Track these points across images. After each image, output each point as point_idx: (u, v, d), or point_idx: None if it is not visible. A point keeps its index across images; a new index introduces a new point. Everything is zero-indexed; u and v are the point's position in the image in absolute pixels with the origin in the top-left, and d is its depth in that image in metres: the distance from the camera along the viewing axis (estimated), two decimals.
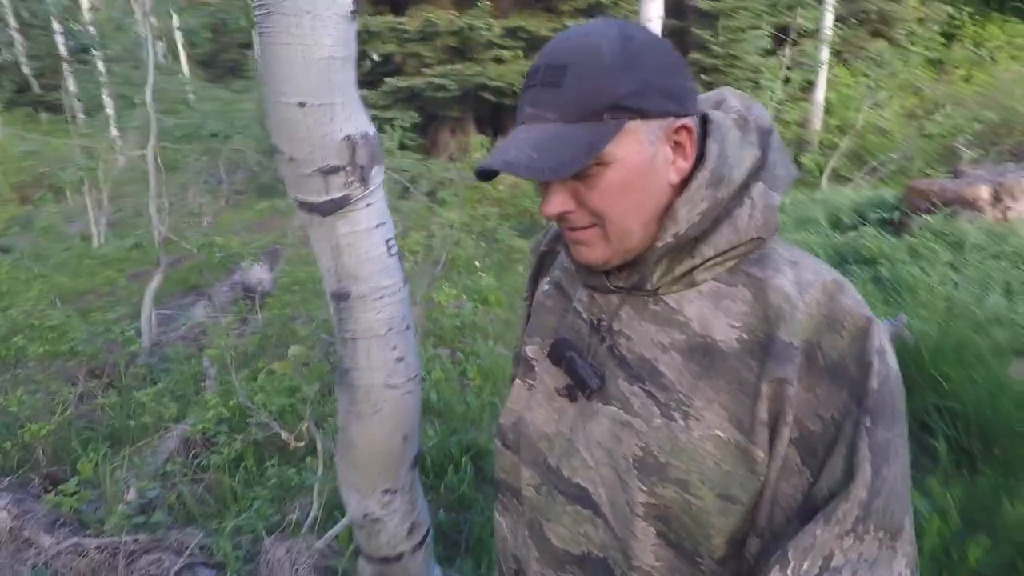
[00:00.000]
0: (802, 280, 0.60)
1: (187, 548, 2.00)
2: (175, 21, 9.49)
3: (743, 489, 0.59)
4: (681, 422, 0.61)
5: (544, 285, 0.79)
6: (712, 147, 0.62)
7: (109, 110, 10.57)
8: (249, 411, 2.46)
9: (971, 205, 4.30)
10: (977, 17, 9.89)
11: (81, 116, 13.11)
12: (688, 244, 0.63)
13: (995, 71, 8.20)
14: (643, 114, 0.59)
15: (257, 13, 1.08)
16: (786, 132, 8.03)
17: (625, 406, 0.65)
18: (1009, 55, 8.78)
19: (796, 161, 7.89)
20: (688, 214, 0.61)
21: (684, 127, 0.61)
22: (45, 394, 2.68)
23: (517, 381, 0.77)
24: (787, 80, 7.77)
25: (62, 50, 7.85)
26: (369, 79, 9.32)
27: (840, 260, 4.43)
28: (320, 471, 2.10)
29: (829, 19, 8.08)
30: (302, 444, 2.21)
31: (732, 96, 0.68)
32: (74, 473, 2.40)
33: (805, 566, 0.54)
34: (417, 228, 5.39)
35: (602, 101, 0.58)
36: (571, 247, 0.66)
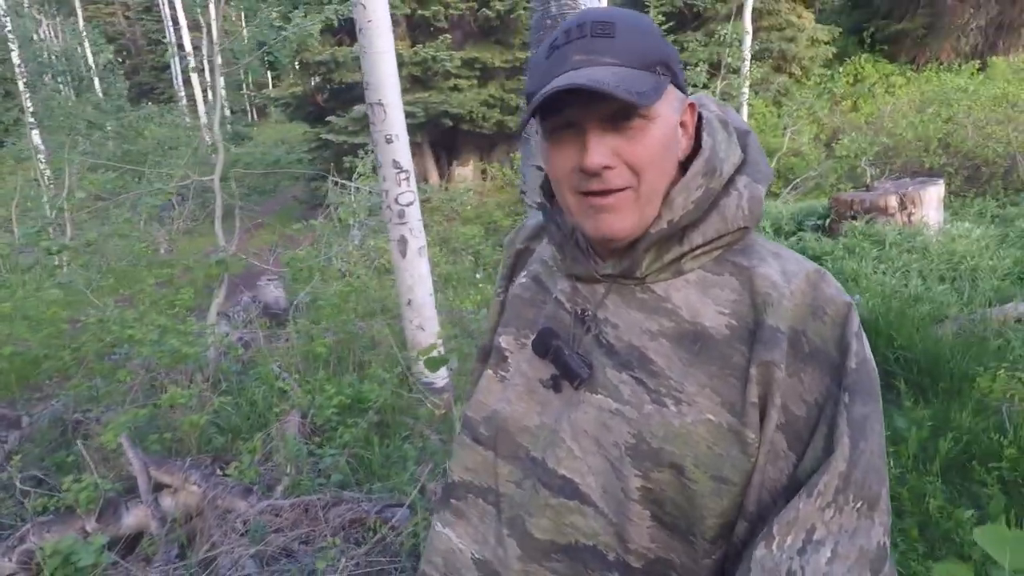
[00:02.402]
0: (787, 270, 0.63)
1: (371, 498, 2.42)
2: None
3: (736, 470, 0.60)
4: (673, 408, 0.62)
5: (520, 278, 0.79)
6: (707, 139, 0.65)
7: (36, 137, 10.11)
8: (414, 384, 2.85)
9: (884, 211, 5.42)
10: (853, 57, 11.76)
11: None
12: (678, 232, 0.64)
13: (876, 103, 9.87)
14: (676, 80, 0.63)
15: None
16: None
17: (614, 394, 0.65)
18: (883, 89, 10.54)
19: None
20: (684, 201, 0.63)
21: (693, 107, 0.66)
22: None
23: (488, 372, 0.75)
24: None
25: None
26: (333, 106, 9.64)
27: None
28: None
29: (748, 57, 9.46)
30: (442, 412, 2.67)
31: (709, 101, 0.72)
32: (220, 456, 2.74)
33: (789, 540, 0.55)
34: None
35: (654, 55, 0.61)
36: (594, 219, 0.63)
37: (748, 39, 9.50)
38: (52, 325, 2.55)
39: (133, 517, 2.36)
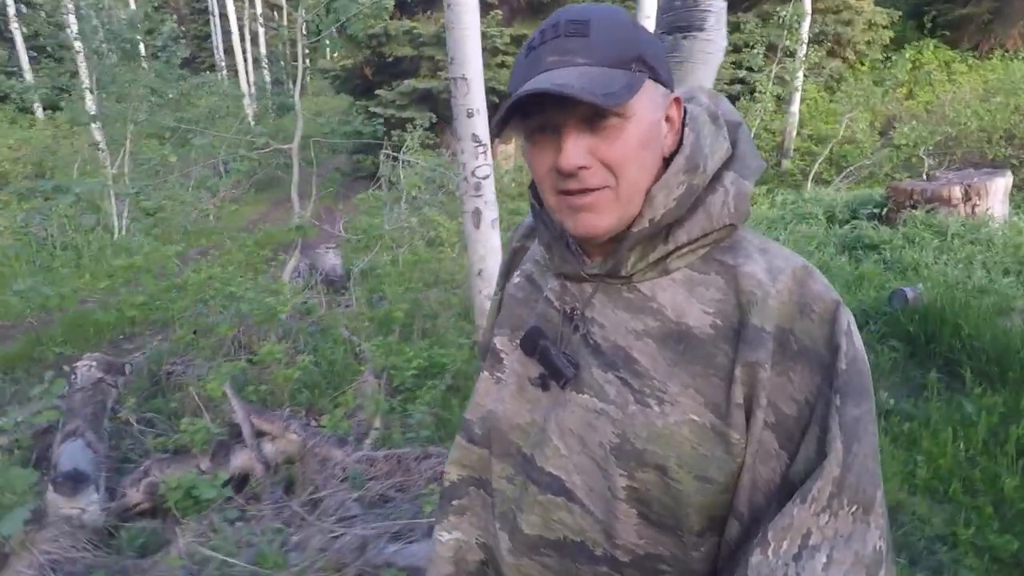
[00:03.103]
0: (773, 267, 0.62)
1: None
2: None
3: (720, 470, 0.60)
4: (656, 408, 0.62)
5: (515, 278, 0.79)
6: (689, 135, 0.64)
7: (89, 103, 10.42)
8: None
9: (947, 202, 5.33)
10: (914, 43, 11.38)
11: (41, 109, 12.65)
12: (662, 230, 0.64)
13: (935, 91, 9.58)
14: (656, 75, 0.62)
15: None
16: (771, 139, 9.11)
17: (599, 394, 0.65)
18: (945, 76, 10.21)
19: (777, 165, 8.97)
20: (665, 199, 0.62)
21: (678, 101, 0.64)
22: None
23: (484, 374, 0.76)
24: (778, 96, 8.85)
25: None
26: (380, 80, 9.73)
27: (847, 247, 5.37)
28: None
29: (806, 39, 9.24)
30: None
31: (701, 93, 0.70)
32: (311, 409, 2.91)
33: (785, 546, 0.55)
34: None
35: (629, 51, 0.60)
36: (572, 218, 0.63)
37: (807, 21, 9.25)
38: (165, 279, 2.73)
39: (239, 459, 2.54)
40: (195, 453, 2.45)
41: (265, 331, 3.55)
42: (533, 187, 0.71)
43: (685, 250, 0.64)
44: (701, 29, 1.68)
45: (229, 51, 17.96)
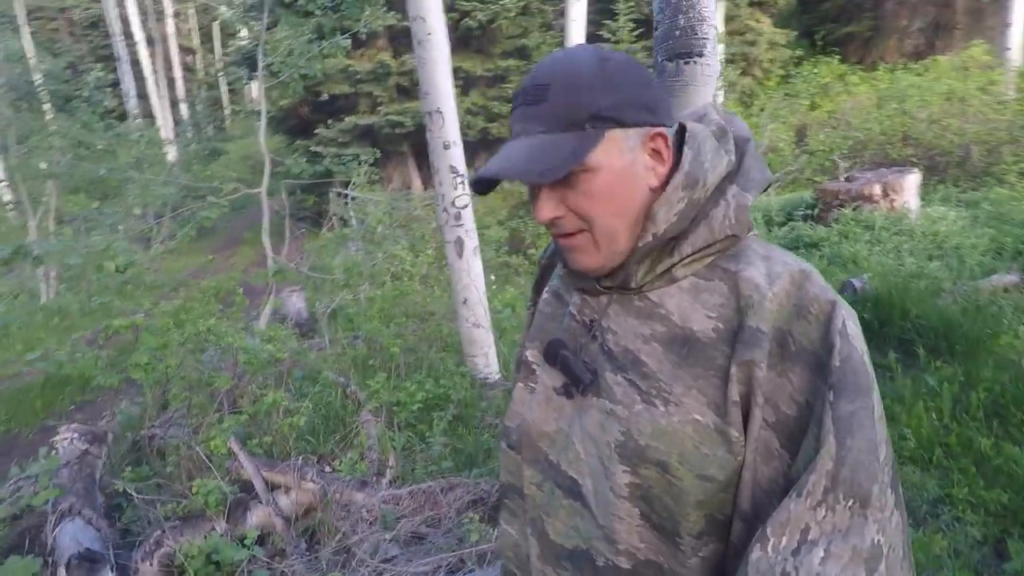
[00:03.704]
0: (772, 271, 0.64)
1: (477, 481, 2.56)
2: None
3: (721, 469, 0.62)
4: (662, 407, 0.64)
5: (545, 294, 0.84)
6: (687, 153, 0.67)
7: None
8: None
9: (869, 199, 5.88)
10: (811, 59, 12.51)
11: None
12: (668, 243, 0.67)
13: (834, 101, 10.55)
14: (621, 123, 0.65)
15: None
16: None
17: (610, 396, 0.68)
18: (842, 88, 11.26)
19: None
20: (666, 215, 0.66)
21: (660, 135, 0.67)
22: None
23: (519, 384, 0.80)
24: None
25: None
26: (317, 118, 9.63)
27: (789, 247, 5.80)
28: None
29: (721, 60, 9.99)
30: None
31: (714, 112, 0.74)
32: (322, 456, 2.83)
33: (784, 542, 0.56)
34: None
35: (583, 112, 0.63)
36: (566, 255, 0.70)
37: (721, 46, 10.01)
38: (158, 335, 2.59)
39: (256, 516, 2.43)
40: (209, 516, 2.32)
41: (247, 382, 3.42)
42: None
43: (690, 259, 0.67)
44: (700, 55, 1.85)
45: (143, 96, 17.21)
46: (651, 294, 0.69)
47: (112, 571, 2.07)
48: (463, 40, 10.19)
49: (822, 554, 0.55)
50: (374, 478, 2.64)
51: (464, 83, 10.34)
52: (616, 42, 9.50)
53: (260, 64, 4.27)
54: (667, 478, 0.63)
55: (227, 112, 20.15)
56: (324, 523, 2.43)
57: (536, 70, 0.67)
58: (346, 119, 9.06)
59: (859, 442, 0.57)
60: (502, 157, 0.66)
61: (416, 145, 10.84)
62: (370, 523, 2.37)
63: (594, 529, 0.68)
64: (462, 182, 3.50)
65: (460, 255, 3.59)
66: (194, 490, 2.29)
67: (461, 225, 3.55)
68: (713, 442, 0.62)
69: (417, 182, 11.38)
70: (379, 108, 9.32)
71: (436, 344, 4.12)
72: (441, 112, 3.35)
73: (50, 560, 2.13)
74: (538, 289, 0.89)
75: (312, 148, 8.89)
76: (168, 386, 3.20)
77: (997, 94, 8.23)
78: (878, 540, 0.57)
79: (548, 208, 0.66)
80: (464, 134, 11.27)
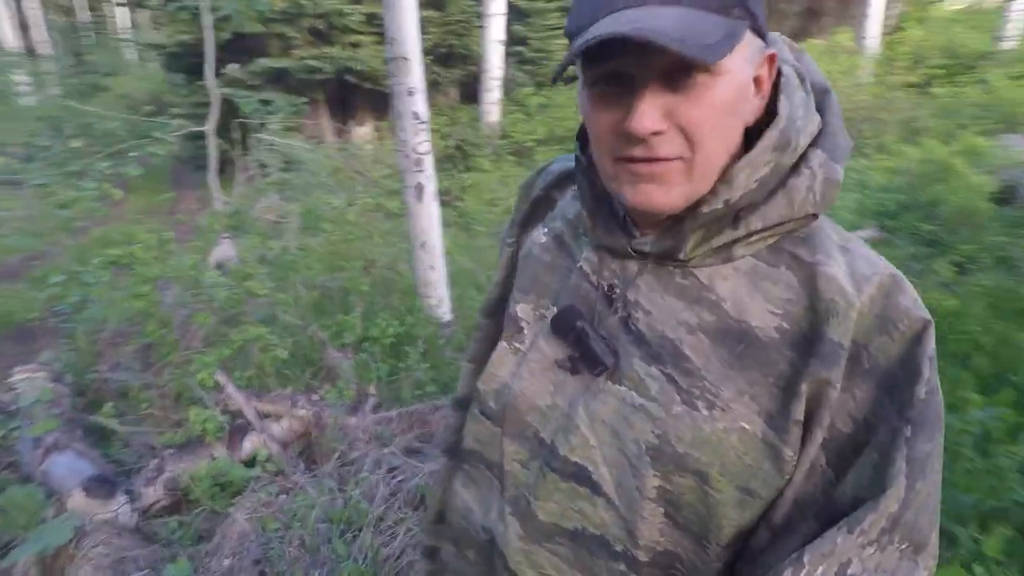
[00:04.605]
0: (857, 273, 0.55)
1: None
2: None
3: (765, 485, 0.55)
4: (705, 412, 0.56)
5: (540, 236, 0.71)
6: (784, 105, 0.55)
7: None
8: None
9: None
10: None
11: None
12: (733, 213, 0.56)
13: None
14: (756, 24, 0.52)
15: None
16: None
17: (639, 388, 0.59)
18: None
19: None
20: (747, 180, 0.54)
21: (772, 58, 0.55)
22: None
23: (503, 344, 0.70)
24: None
25: None
26: (221, 59, 8.90)
27: None
28: None
29: None
30: None
31: (784, 45, 0.60)
32: (308, 388, 2.94)
33: (820, 571, 0.51)
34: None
35: None
36: (632, 189, 0.55)
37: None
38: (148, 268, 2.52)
39: (250, 443, 2.53)
40: (208, 443, 2.39)
41: (217, 321, 3.38)
42: (583, 135, 0.64)
43: (755, 238, 0.57)
44: None
45: None
46: (698, 272, 0.59)
47: (125, 494, 2.12)
48: None
49: None
50: (360, 405, 2.81)
51: (380, 32, 10.02)
52: None
53: None
54: (704, 488, 0.57)
55: (89, 41, 17.70)
56: (321, 444, 2.58)
57: None
58: (258, 61, 8.48)
59: (928, 486, 0.52)
60: (632, 20, 0.48)
61: (331, 92, 10.39)
62: (366, 441, 2.56)
63: (614, 519, 0.61)
64: (424, 128, 3.61)
65: (420, 199, 3.73)
66: (192, 419, 2.35)
67: (422, 171, 3.67)
68: (759, 454, 0.55)
69: (329, 133, 10.94)
70: (292, 51, 8.80)
71: (384, 288, 4.25)
72: (407, 59, 3.42)
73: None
74: (524, 224, 0.76)
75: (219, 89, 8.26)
76: (103, 327, 3.10)
77: (858, 77, 9.45)
78: None
79: (656, 117, 0.51)
80: (380, 84, 10.89)
